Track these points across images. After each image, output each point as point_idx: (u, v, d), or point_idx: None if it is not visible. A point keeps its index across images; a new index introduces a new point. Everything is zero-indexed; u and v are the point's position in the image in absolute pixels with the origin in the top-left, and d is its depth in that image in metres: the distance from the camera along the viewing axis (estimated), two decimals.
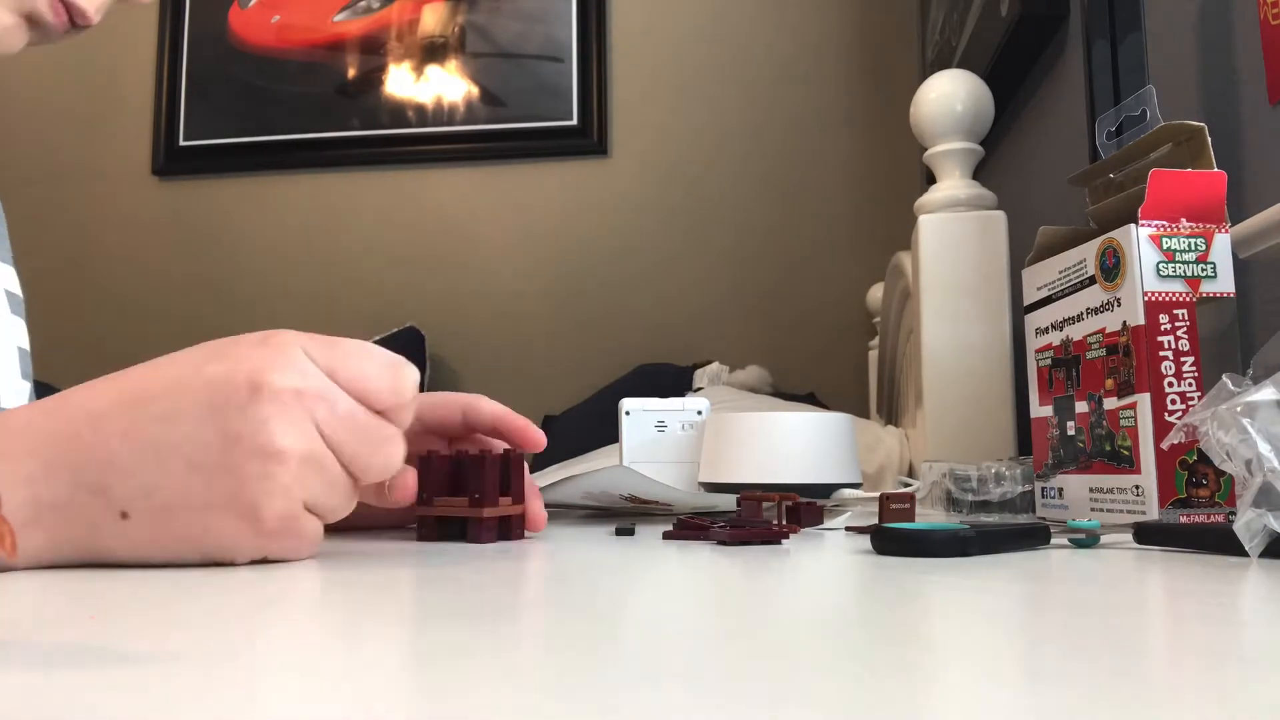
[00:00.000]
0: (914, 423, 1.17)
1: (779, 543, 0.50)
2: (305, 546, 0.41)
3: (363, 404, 0.41)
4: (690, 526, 0.54)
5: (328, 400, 0.40)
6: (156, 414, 0.38)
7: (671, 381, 1.88)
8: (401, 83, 2.28)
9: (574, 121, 2.20)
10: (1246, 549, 0.40)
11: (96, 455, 0.37)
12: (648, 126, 2.21)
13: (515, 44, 2.25)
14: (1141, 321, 0.56)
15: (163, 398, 0.38)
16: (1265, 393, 0.42)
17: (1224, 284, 0.57)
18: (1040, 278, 0.67)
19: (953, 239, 1.00)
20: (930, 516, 0.71)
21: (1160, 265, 0.57)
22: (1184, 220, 0.57)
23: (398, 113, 2.28)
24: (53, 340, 2.32)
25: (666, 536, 0.54)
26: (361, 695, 0.18)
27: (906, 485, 1.00)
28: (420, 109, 2.27)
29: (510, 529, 0.53)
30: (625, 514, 0.73)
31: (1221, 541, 0.43)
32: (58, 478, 0.37)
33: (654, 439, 0.84)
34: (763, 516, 0.59)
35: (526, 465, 0.55)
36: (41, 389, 0.69)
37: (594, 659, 0.21)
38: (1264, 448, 0.41)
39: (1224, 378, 0.44)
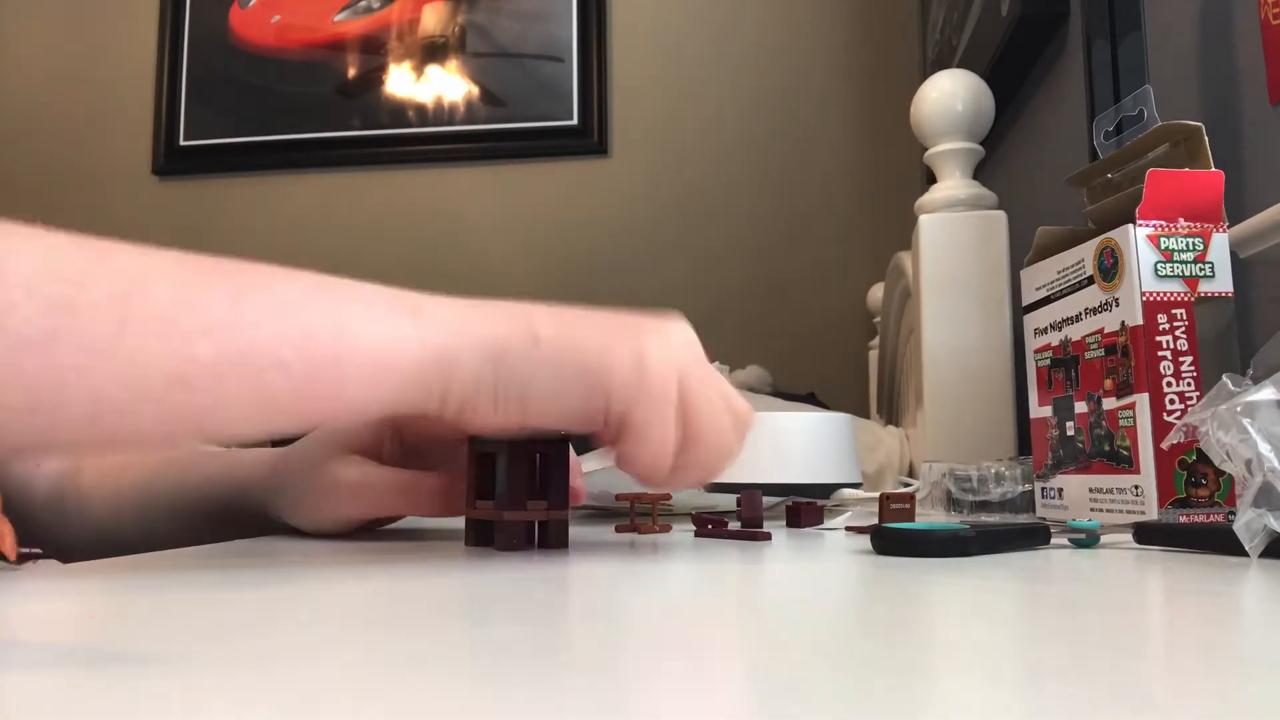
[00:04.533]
0: (914, 423, 1.17)
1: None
2: (671, 416, 0.44)
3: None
4: (714, 523, 0.56)
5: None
6: (574, 316, 0.46)
7: None
8: (401, 83, 2.28)
9: (574, 121, 2.20)
10: (1246, 549, 0.40)
11: (527, 315, 0.45)
12: (648, 127, 2.21)
13: (515, 44, 2.24)
14: (1140, 321, 0.56)
15: (579, 312, 0.46)
16: (1265, 393, 0.42)
17: (1222, 284, 0.57)
18: (1039, 278, 0.67)
19: (953, 239, 1.00)
20: (930, 516, 0.71)
21: (1158, 265, 0.57)
22: (1182, 220, 0.57)
23: (398, 113, 2.28)
24: None
25: (698, 535, 0.55)
26: (360, 696, 0.18)
27: (906, 485, 1.00)
28: (420, 109, 2.27)
29: (548, 537, 0.48)
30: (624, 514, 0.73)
31: (1221, 541, 0.43)
32: (501, 327, 0.44)
33: None
34: (763, 511, 0.59)
35: (574, 458, 0.51)
36: None
37: (591, 658, 0.22)
38: (1264, 448, 0.41)
39: (1224, 378, 0.44)
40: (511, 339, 0.43)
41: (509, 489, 0.46)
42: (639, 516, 0.58)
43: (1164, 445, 0.54)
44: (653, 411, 0.43)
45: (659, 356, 0.43)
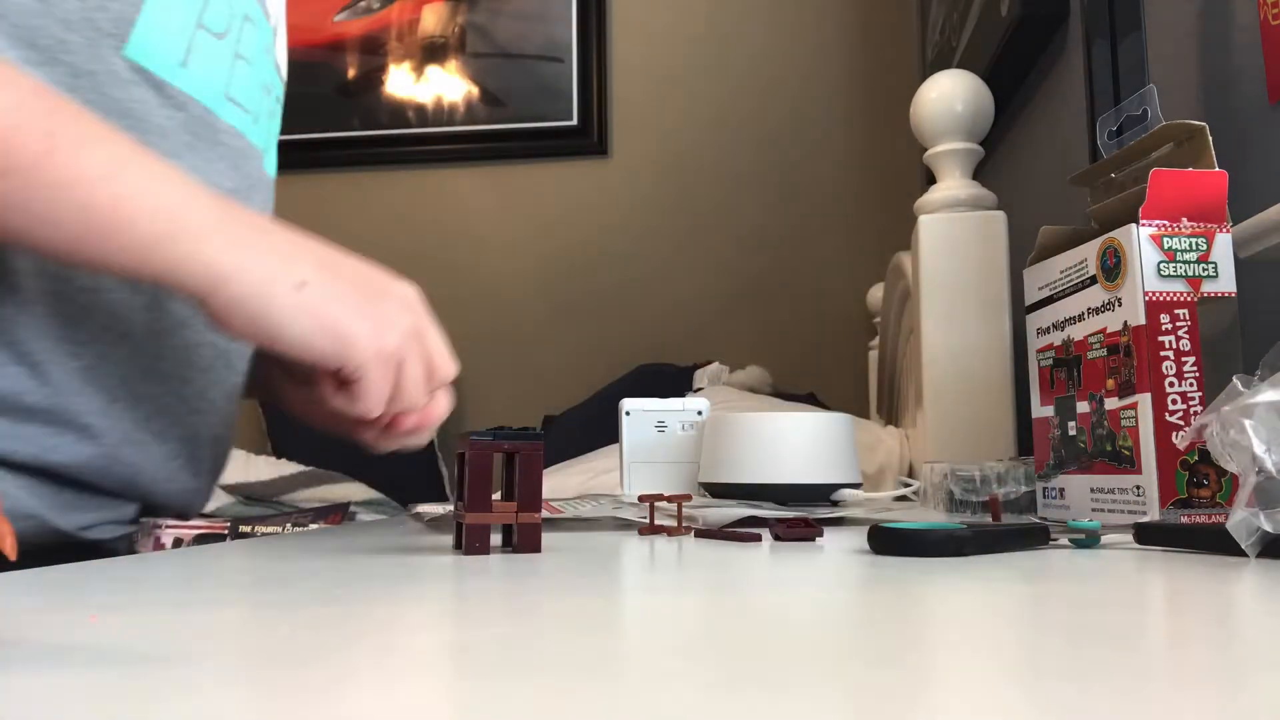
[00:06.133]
0: (914, 423, 1.17)
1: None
2: (391, 378, 0.52)
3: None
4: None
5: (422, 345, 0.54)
6: (337, 269, 0.52)
7: (671, 381, 1.88)
8: (401, 83, 2.28)
9: (574, 121, 2.20)
10: (1242, 548, 0.40)
11: (303, 259, 0.50)
12: (648, 126, 2.21)
13: (515, 44, 2.24)
14: (1142, 321, 0.56)
15: (349, 260, 0.53)
16: (1268, 394, 0.42)
17: (1225, 284, 0.57)
18: (1041, 277, 0.67)
19: (953, 239, 1.00)
20: (931, 517, 0.71)
21: (1161, 265, 0.57)
22: (1185, 220, 0.57)
23: (398, 113, 2.28)
24: None
25: (698, 535, 0.55)
26: (359, 695, 0.18)
27: (906, 485, 1.00)
28: (420, 109, 2.27)
29: (520, 539, 0.47)
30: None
31: (1222, 542, 0.43)
32: (273, 266, 0.50)
33: (654, 439, 0.84)
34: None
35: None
36: None
37: (591, 658, 0.21)
38: (1260, 448, 0.41)
39: (1234, 379, 0.44)
40: (277, 281, 0.48)
41: (470, 491, 0.46)
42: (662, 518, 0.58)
43: (1178, 444, 0.54)
44: (379, 377, 0.50)
45: (395, 324, 0.51)
